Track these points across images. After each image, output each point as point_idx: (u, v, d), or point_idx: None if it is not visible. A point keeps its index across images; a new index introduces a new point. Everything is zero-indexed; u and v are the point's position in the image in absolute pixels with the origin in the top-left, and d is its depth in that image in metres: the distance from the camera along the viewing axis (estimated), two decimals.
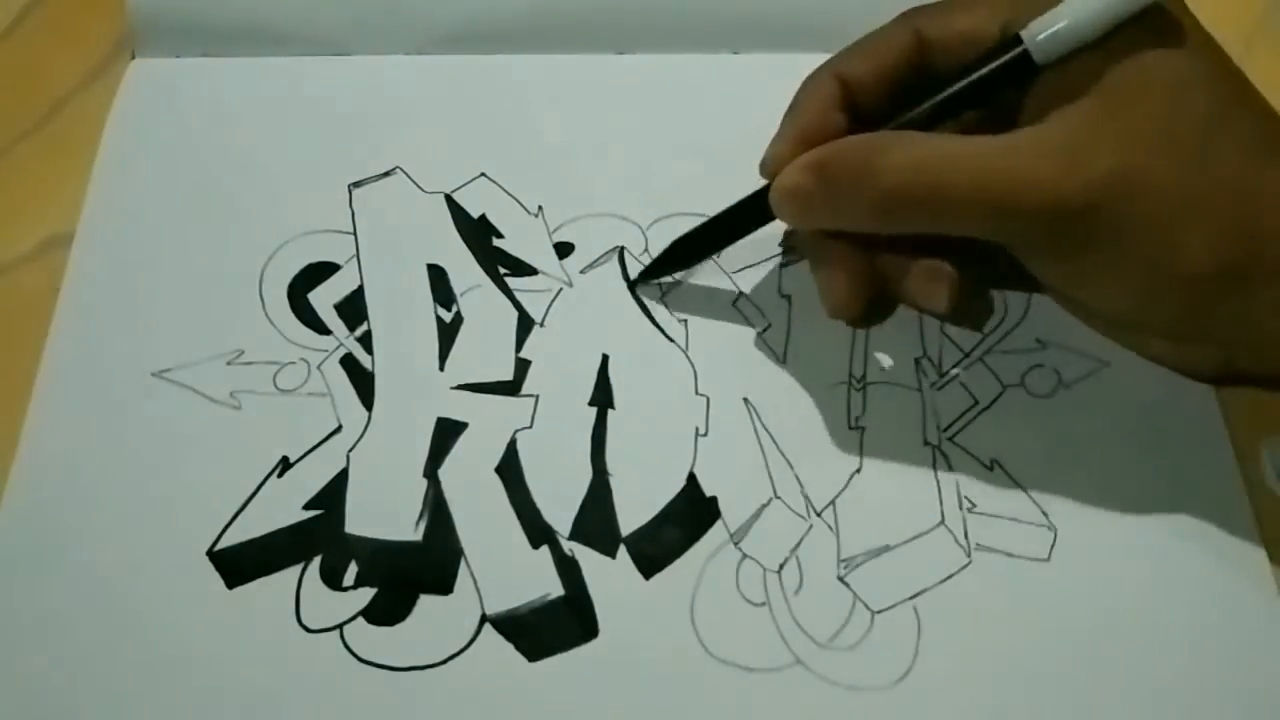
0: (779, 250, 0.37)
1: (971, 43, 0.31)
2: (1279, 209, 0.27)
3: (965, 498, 0.32)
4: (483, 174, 0.38)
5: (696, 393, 0.34)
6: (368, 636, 0.30)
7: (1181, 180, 0.27)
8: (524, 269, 0.36)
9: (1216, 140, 0.27)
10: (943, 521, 0.32)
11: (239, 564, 0.31)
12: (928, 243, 0.32)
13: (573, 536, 0.32)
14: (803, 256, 0.36)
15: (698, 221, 0.36)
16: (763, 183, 0.33)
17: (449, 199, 0.38)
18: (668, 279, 0.36)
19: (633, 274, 0.36)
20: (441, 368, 0.34)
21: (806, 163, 0.30)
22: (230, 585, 0.31)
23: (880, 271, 0.33)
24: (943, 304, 0.32)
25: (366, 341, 0.35)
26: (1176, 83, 0.27)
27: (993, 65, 0.30)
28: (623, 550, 0.32)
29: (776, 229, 0.35)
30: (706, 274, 0.36)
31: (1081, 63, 0.28)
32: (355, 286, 0.36)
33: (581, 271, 0.36)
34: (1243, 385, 0.33)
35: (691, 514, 0.32)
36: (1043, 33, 0.29)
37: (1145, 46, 0.28)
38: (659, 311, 0.36)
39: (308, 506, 0.32)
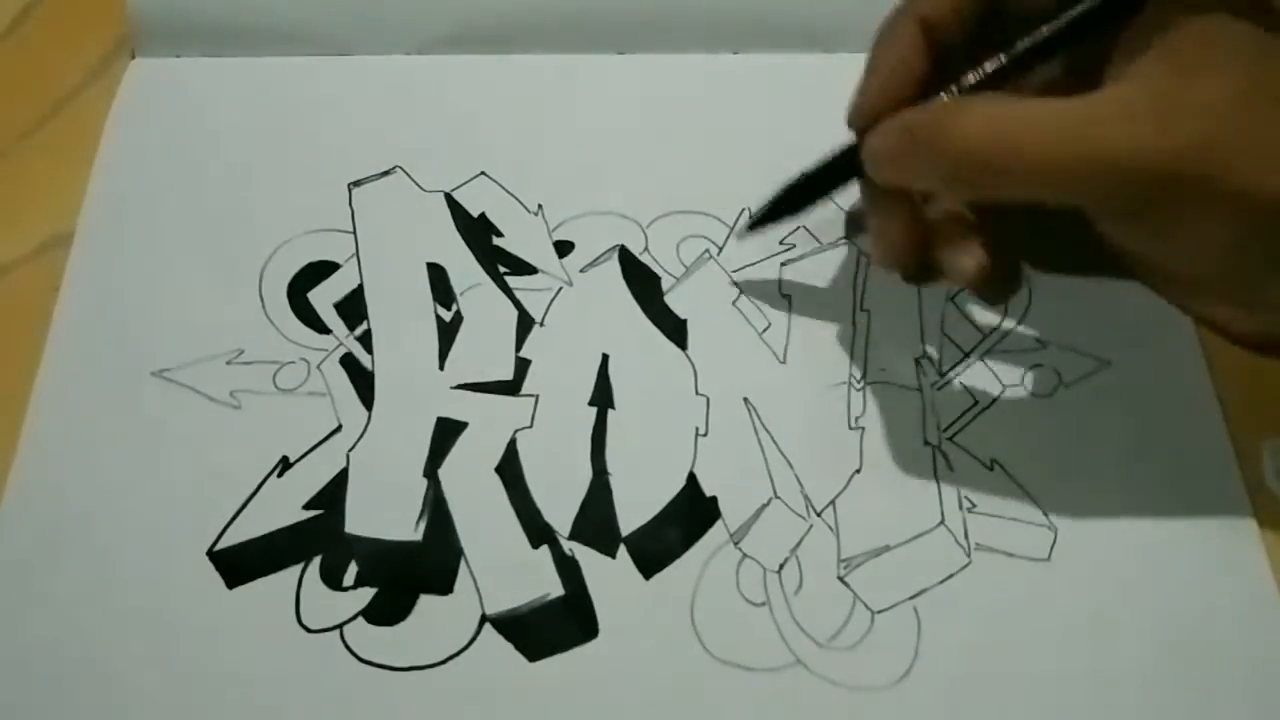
0: (779, 250, 0.37)
1: None
2: None
3: (965, 498, 0.32)
4: (482, 173, 0.38)
5: (696, 393, 0.34)
6: (368, 636, 0.30)
7: (1266, 142, 0.26)
8: (524, 268, 0.36)
9: None
10: (943, 521, 0.32)
11: (239, 564, 0.31)
12: (982, 212, 0.32)
13: (573, 536, 0.32)
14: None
15: (697, 221, 0.36)
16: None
17: (449, 198, 0.38)
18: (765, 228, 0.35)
19: (633, 274, 0.36)
20: (441, 367, 0.34)
21: (899, 126, 0.30)
22: (230, 585, 0.31)
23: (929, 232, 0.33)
24: (971, 275, 0.31)
25: (366, 341, 0.35)
26: (1261, 41, 0.27)
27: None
28: (623, 550, 0.32)
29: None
30: (707, 274, 0.36)
31: (1161, 21, 0.28)
32: (355, 286, 0.36)
33: (581, 270, 0.36)
34: None
35: (691, 514, 0.32)
36: None
37: (1223, 5, 0.27)
38: (664, 311, 0.36)
39: (308, 506, 0.32)
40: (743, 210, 0.37)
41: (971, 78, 0.29)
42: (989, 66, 0.29)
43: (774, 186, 0.34)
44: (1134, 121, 0.27)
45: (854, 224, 0.37)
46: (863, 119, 0.31)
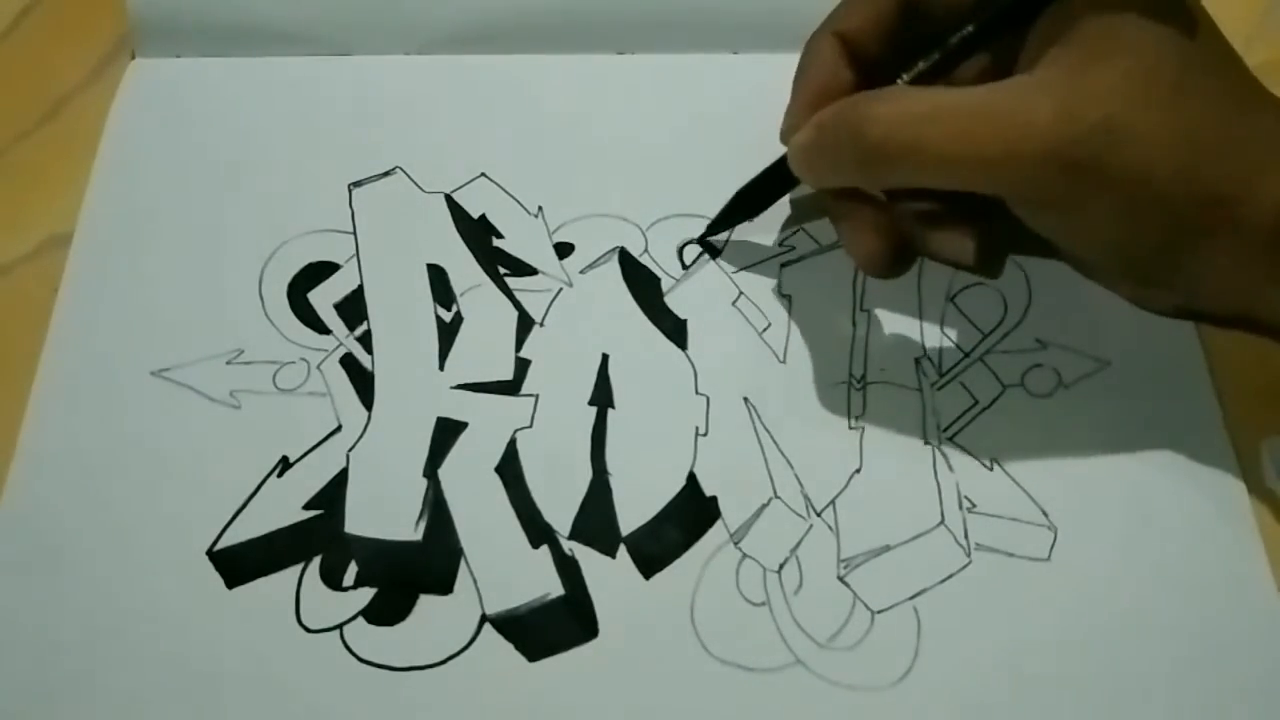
0: (779, 250, 0.37)
1: None
2: (1245, 163, 0.27)
3: (965, 498, 0.32)
4: (483, 174, 0.38)
5: (696, 393, 0.34)
6: (368, 636, 0.30)
7: (1161, 131, 0.27)
8: (524, 269, 0.36)
9: (1192, 94, 0.27)
10: (943, 521, 0.32)
11: (239, 564, 0.31)
12: (945, 195, 0.32)
13: (573, 536, 0.32)
14: (813, 218, 0.37)
15: (697, 221, 0.36)
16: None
17: (449, 199, 0.38)
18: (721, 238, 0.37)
19: (633, 275, 0.36)
20: (441, 367, 0.34)
21: (810, 124, 0.30)
22: (230, 585, 0.31)
23: (902, 224, 0.33)
24: (970, 257, 0.32)
25: (366, 341, 0.35)
26: (1159, 34, 0.28)
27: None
28: (623, 550, 0.32)
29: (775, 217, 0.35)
30: (706, 274, 0.36)
31: (1071, 14, 0.28)
32: (355, 286, 0.36)
33: (581, 271, 0.36)
34: (1197, 320, 0.34)
35: (691, 514, 0.32)
36: None
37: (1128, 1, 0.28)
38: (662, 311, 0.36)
39: (308, 506, 0.32)
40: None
41: (904, 78, 0.30)
42: (922, 65, 0.30)
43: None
44: (1033, 109, 0.27)
45: (801, 212, 0.38)
46: (791, 133, 0.32)
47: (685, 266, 0.36)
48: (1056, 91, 0.27)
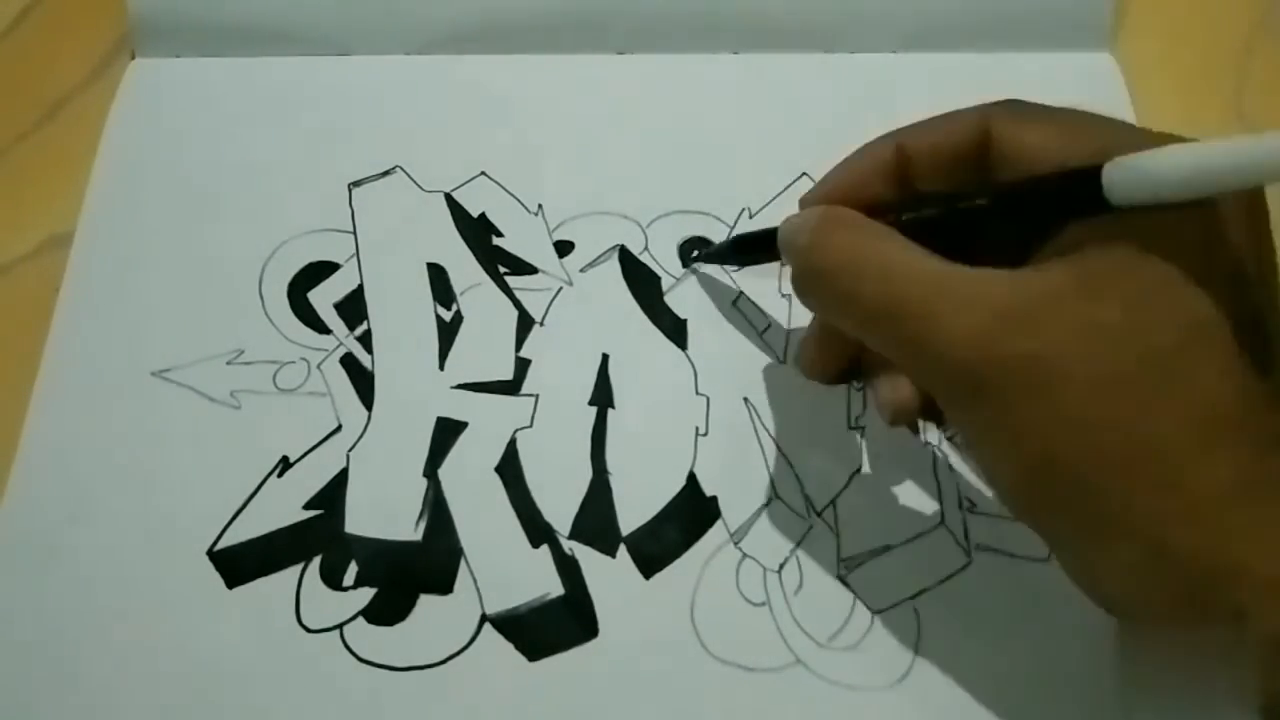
0: None
1: (1034, 160, 0.27)
2: (1197, 524, 0.23)
3: (965, 498, 0.32)
4: (482, 173, 0.38)
5: (696, 393, 0.34)
6: (368, 636, 0.30)
7: (1089, 393, 0.23)
8: (524, 268, 0.36)
9: (1165, 399, 0.23)
10: (943, 521, 0.32)
11: (239, 564, 0.31)
12: None
13: (573, 536, 0.32)
14: None
15: (697, 221, 0.36)
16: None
17: (449, 198, 0.38)
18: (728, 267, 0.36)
19: (633, 274, 0.36)
20: (441, 367, 0.34)
21: (808, 212, 0.29)
22: (230, 585, 0.31)
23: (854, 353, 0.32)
24: (886, 418, 0.30)
25: (366, 341, 0.35)
26: (1159, 290, 0.24)
27: (1063, 187, 0.25)
28: (623, 550, 0.32)
29: None
30: (707, 274, 0.36)
31: (1097, 232, 0.25)
32: (355, 286, 0.36)
33: (581, 270, 0.36)
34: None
35: (691, 514, 0.32)
36: (1125, 172, 0.24)
37: (1172, 241, 0.24)
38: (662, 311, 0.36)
39: (308, 506, 0.32)
40: (742, 210, 0.37)
41: (903, 218, 0.28)
42: (926, 212, 0.28)
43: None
44: (966, 309, 0.24)
45: None
46: (802, 209, 0.30)
47: (690, 266, 0.36)
48: (1012, 304, 0.24)
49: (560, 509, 0.32)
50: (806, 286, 0.28)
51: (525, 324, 0.35)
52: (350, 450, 0.33)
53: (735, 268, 0.36)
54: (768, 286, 0.36)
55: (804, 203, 0.31)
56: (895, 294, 0.25)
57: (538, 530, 0.32)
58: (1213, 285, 0.24)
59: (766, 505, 0.32)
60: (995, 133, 0.28)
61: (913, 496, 0.32)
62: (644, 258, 0.37)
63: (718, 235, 0.37)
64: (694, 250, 0.37)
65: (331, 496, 0.32)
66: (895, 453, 0.33)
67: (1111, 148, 0.24)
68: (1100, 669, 0.30)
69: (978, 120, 0.28)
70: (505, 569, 0.31)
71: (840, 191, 0.30)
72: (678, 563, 0.31)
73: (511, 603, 0.31)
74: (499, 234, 0.37)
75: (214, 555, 0.31)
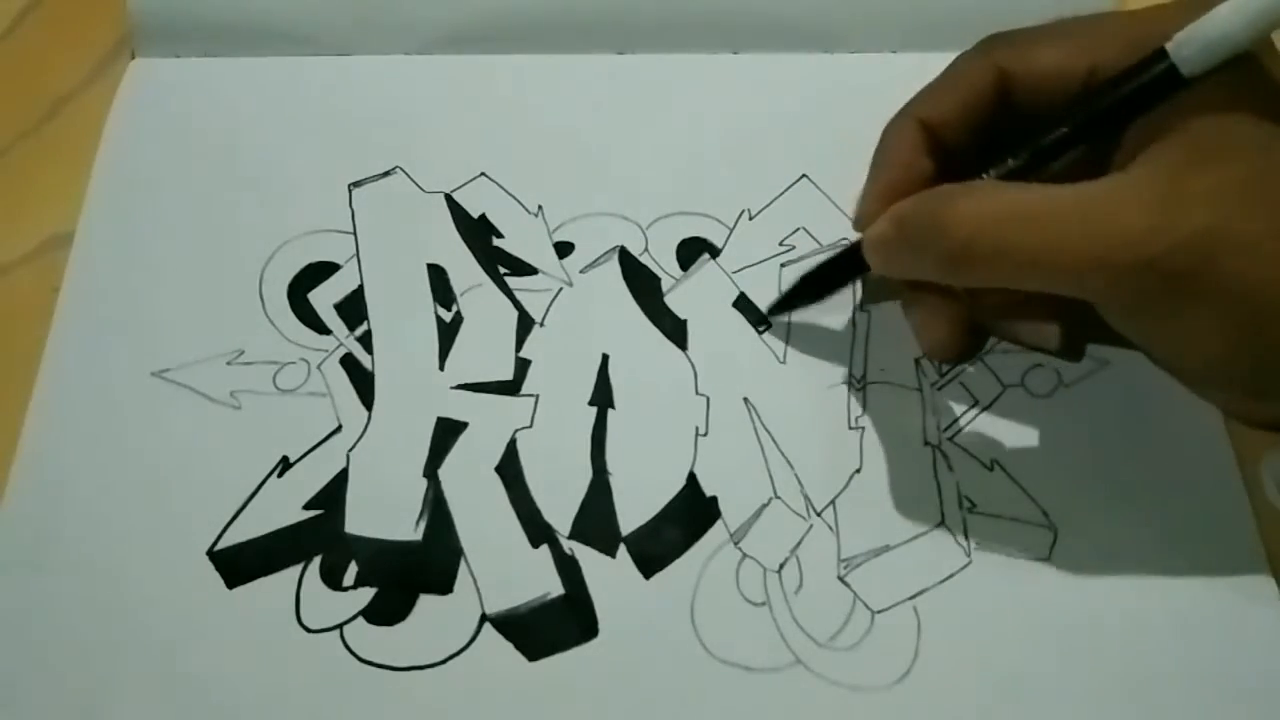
0: (779, 250, 0.37)
1: (1058, 79, 0.28)
2: None
3: (965, 498, 0.32)
4: (483, 174, 0.38)
5: (696, 393, 0.34)
6: (368, 636, 0.30)
7: (1270, 241, 0.25)
8: (524, 268, 0.36)
9: None
10: (943, 521, 0.32)
11: (239, 564, 0.31)
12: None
13: (573, 536, 0.32)
14: (886, 298, 0.35)
15: (697, 222, 0.36)
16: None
17: (449, 199, 0.38)
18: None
19: (633, 275, 0.36)
20: (441, 367, 0.34)
21: (889, 216, 0.29)
22: (230, 585, 0.31)
23: (979, 314, 0.31)
24: (1054, 344, 0.30)
25: (366, 341, 0.35)
26: (1269, 137, 0.26)
27: (1135, 83, 0.27)
28: (623, 550, 0.32)
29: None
30: (706, 275, 0.36)
31: (1178, 113, 0.26)
32: (355, 286, 0.36)
33: (581, 271, 0.36)
34: None
35: (691, 514, 0.32)
36: (1192, 45, 0.26)
37: (1239, 97, 0.26)
38: (659, 312, 0.36)
39: (308, 506, 0.32)
40: (742, 211, 0.37)
41: (990, 174, 0.28)
42: (1011, 162, 0.28)
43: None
44: (1129, 214, 0.25)
45: (873, 294, 0.36)
46: (866, 220, 0.30)
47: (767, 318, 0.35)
48: (1154, 196, 0.25)
49: (560, 509, 0.32)
50: (957, 268, 0.28)
51: (525, 324, 0.35)
52: (350, 450, 0.33)
53: (805, 304, 0.35)
54: (768, 286, 0.36)
55: (863, 215, 0.31)
56: (1048, 232, 0.26)
57: (538, 530, 0.32)
58: None
59: (766, 505, 0.32)
60: (1007, 68, 0.29)
61: (913, 496, 0.32)
62: (644, 259, 0.37)
63: (718, 236, 0.37)
64: (699, 252, 0.37)
65: (331, 496, 0.32)
66: (895, 453, 0.33)
67: (1134, 35, 0.27)
68: (1100, 669, 0.30)
69: (986, 66, 0.29)
70: (505, 569, 0.31)
71: (894, 187, 0.30)
72: (678, 563, 0.31)
73: (511, 603, 0.31)
74: (499, 235, 0.37)
75: (214, 555, 0.31)
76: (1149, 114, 0.27)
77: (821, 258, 0.33)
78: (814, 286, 0.34)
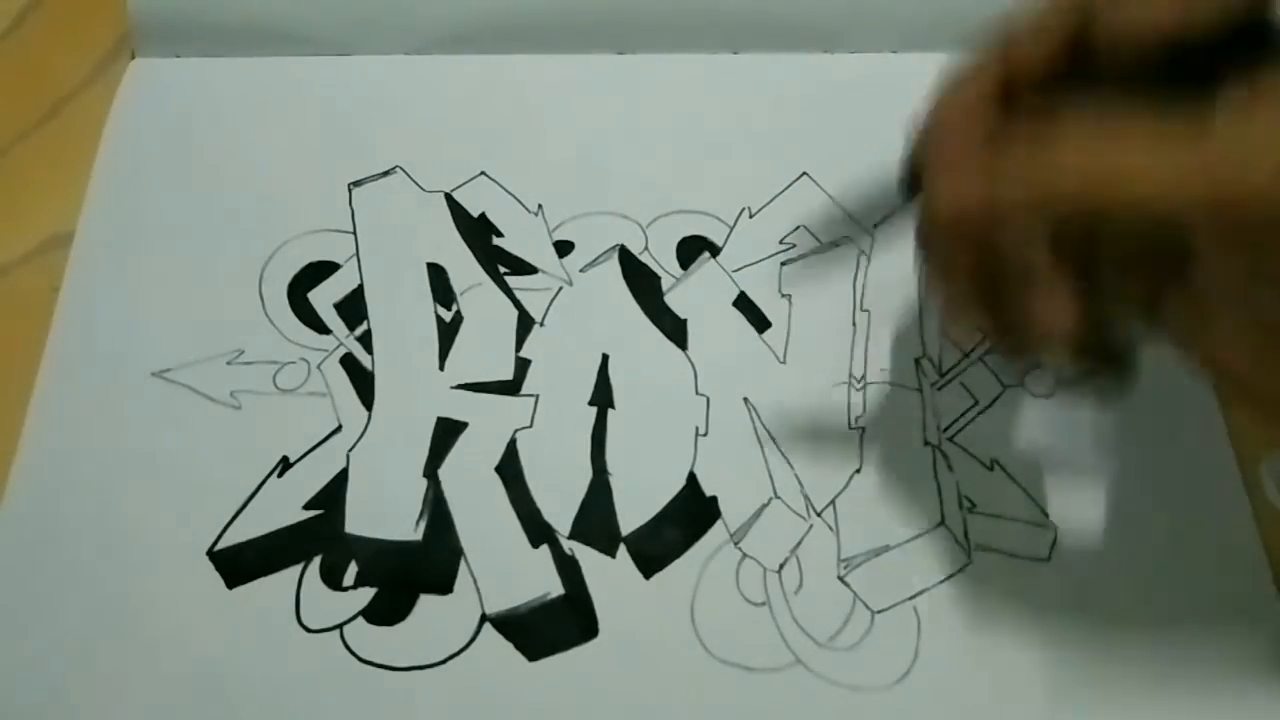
0: (779, 248, 0.37)
1: (1148, 32, 0.26)
2: None
3: (965, 498, 0.32)
4: (482, 173, 0.38)
5: (696, 393, 0.34)
6: (368, 636, 0.30)
7: None
8: (524, 268, 0.36)
9: None
10: (943, 521, 0.32)
11: (239, 564, 0.31)
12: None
13: (573, 536, 0.32)
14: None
15: (697, 221, 0.36)
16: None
17: (449, 198, 0.38)
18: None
19: (633, 274, 0.36)
20: (441, 367, 0.34)
21: (982, 162, 0.26)
22: (230, 585, 0.31)
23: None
24: (1063, 327, 0.27)
25: (366, 341, 0.35)
26: None
27: (1243, 26, 0.25)
28: (623, 550, 0.32)
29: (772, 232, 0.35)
30: (706, 274, 0.36)
31: (1265, 71, 0.24)
32: (355, 286, 0.36)
33: (581, 270, 0.36)
34: None
35: (691, 514, 0.32)
36: None
37: None
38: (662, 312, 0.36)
39: (308, 506, 0.32)
40: (742, 210, 0.37)
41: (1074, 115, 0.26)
42: (1099, 102, 0.26)
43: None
44: (1264, 152, 0.23)
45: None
46: (927, 162, 0.27)
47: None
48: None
49: (560, 509, 0.32)
50: (1069, 206, 0.25)
51: (525, 324, 0.35)
52: (350, 450, 0.33)
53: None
54: (768, 286, 0.36)
55: (927, 147, 0.27)
56: (1171, 169, 0.24)
57: (538, 530, 0.32)
58: None
59: (766, 505, 0.32)
60: (1095, 18, 0.27)
61: (913, 496, 0.32)
62: (644, 258, 0.37)
63: (718, 235, 0.37)
64: (699, 250, 0.36)
65: (331, 496, 0.32)
66: (895, 453, 0.33)
67: None
68: (1099, 669, 0.30)
69: (1070, 9, 0.27)
70: (505, 569, 0.31)
71: (968, 121, 0.27)
72: (678, 563, 0.31)
73: (511, 603, 0.31)
74: (499, 234, 0.37)
75: (214, 555, 0.31)
76: (1256, 62, 0.25)
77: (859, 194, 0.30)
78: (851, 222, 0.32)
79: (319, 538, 0.32)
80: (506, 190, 0.38)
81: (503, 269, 0.36)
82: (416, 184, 0.38)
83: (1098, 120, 0.26)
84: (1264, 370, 0.26)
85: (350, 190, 0.38)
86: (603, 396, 0.34)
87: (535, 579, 0.31)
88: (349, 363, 0.35)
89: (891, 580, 0.31)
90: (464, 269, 0.36)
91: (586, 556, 0.32)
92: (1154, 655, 0.30)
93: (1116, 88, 0.26)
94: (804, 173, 0.38)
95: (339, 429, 0.33)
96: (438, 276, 0.36)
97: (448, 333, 0.35)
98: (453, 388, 0.34)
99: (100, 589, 0.31)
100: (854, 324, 0.35)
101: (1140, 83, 0.26)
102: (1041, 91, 0.28)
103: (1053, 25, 0.28)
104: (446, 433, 0.33)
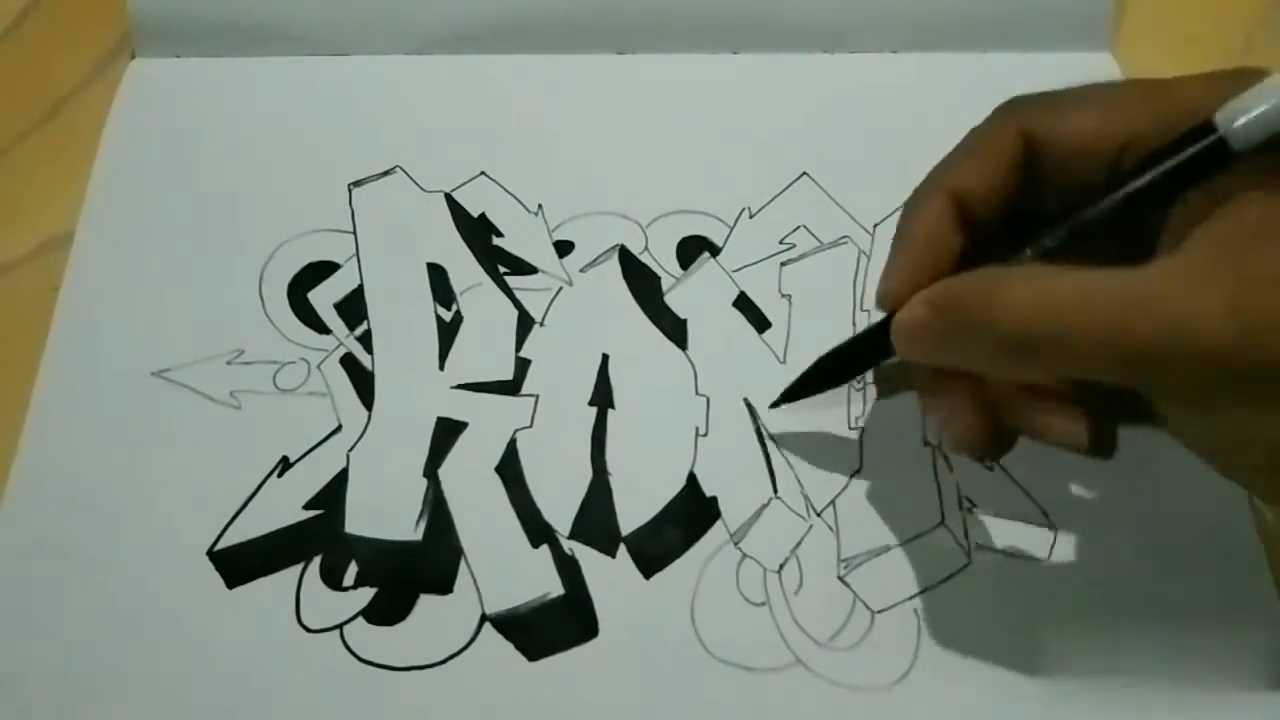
0: (779, 249, 0.37)
1: (1090, 149, 0.27)
2: None
3: (965, 498, 0.32)
4: (482, 173, 0.38)
5: (696, 393, 0.34)
6: (368, 636, 0.30)
7: None
8: (524, 268, 0.36)
9: None
10: (943, 521, 0.32)
11: (239, 564, 0.31)
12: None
13: (573, 536, 0.32)
14: (902, 388, 0.34)
15: (697, 221, 0.36)
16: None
17: (449, 198, 0.38)
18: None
19: (633, 274, 0.36)
20: (441, 367, 0.34)
21: (926, 300, 0.27)
22: (230, 585, 0.31)
23: (1000, 405, 0.29)
24: (1082, 442, 0.28)
25: (366, 341, 0.35)
26: None
27: (1183, 156, 0.25)
28: (623, 550, 0.32)
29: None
30: (706, 274, 0.36)
31: (1230, 188, 0.25)
32: (355, 286, 0.36)
33: (581, 270, 0.36)
34: None
35: (691, 514, 0.32)
36: (1242, 116, 0.24)
37: None
38: (658, 316, 0.36)
39: (308, 506, 0.32)
40: (742, 210, 0.37)
41: (1029, 253, 0.27)
42: (1049, 242, 0.26)
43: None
44: (1199, 298, 0.23)
45: (886, 381, 0.34)
46: (893, 300, 0.28)
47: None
48: (1224, 279, 0.23)
49: (560, 509, 0.32)
50: (1010, 357, 0.26)
51: (525, 324, 0.35)
52: (350, 450, 0.33)
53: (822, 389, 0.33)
54: (768, 286, 0.36)
55: (889, 293, 0.28)
56: (1113, 317, 0.24)
57: (538, 530, 0.32)
58: None
59: (766, 505, 0.32)
60: (1036, 137, 0.27)
61: (913, 496, 0.32)
62: (644, 258, 0.37)
63: (718, 235, 0.37)
64: (699, 250, 0.36)
65: (331, 496, 0.32)
66: (895, 453, 0.33)
67: (1159, 108, 0.26)
68: (1099, 669, 0.30)
69: (1012, 133, 0.28)
70: (505, 569, 0.31)
71: (922, 264, 0.28)
72: (678, 563, 0.31)
73: (511, 603, 0.31)
74: (499, 234, 0.37)
75: (214, 555, 0.31)
76: (1195, 192, 0.25)
77: (840, 344, 0.31)
78: (830, 371, 0.32)
79: (319, 538, 0.32)
80: (506, 190, 0.38)
81: (503, 269, 0.36)
82: (416, 184, 0.38)
83: (1042, 260, 0.26)
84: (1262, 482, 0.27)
85: (350, 190, 0.38)
86: (603, 396, 0.34)
87: (535, 579, 0.31)
88: (349, 363, 0.35)
89: (891, 580, 0.31)
90: (464, 269, 0.36)
91: (586, 556, 0.32)
92: (1153, 656, 0.30)
93: (1072, 212, 0.26)
94: (804, 173, 0.38)
95: (339, 429, 0.33)
96: (438, 276, 0.36)
97: (448, 333, 0.35)
98: (453, 388, 0.34)
99: (100, 589, 0.31)
100: (854, 324, 0.35)
101: (1099, 207, 0.26)
102: (995, 211, 0.28)
103: (993, 145, 0.28)
104: (446, 433, 0.33)
